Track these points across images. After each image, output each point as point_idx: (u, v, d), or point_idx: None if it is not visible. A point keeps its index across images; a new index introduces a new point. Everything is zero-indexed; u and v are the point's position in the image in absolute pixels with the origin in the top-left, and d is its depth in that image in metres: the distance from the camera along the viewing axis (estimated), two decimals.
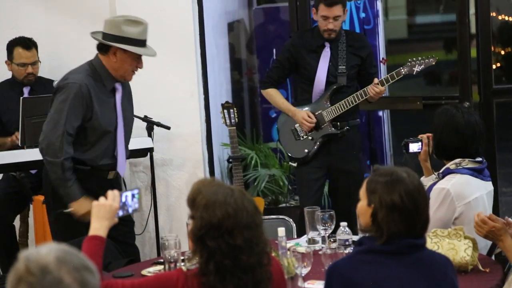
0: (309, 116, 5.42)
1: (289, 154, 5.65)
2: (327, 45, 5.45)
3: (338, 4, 5.35)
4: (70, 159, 4.41)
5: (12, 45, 5.89)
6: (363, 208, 2.88)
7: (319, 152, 5.47)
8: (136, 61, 4.52)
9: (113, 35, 4.46)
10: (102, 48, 4.53)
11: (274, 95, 5.60)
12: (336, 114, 5.39)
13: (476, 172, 3.95)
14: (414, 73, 5.29)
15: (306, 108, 5.47)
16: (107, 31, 4.50)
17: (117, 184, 4.71)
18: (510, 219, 3.60)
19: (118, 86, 4.60)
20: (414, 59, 5.32)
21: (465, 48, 5.95)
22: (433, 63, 5.32)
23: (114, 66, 4.51)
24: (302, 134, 5.51)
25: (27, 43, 5.89)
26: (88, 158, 4.51)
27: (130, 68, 4.53)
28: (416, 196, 2.81)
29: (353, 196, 5.12)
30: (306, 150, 5.48)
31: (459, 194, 3.87)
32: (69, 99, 4.40)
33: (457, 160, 3.96)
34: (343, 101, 5.36)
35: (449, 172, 3.96)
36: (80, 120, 4.43)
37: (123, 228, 4.56)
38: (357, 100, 5.33)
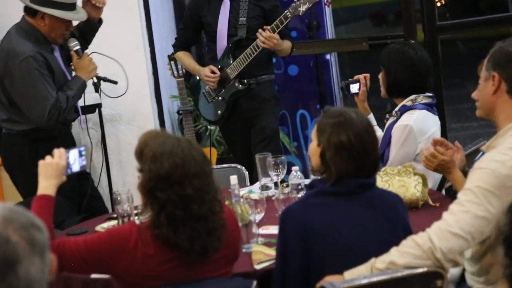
0: (212, 71, 5.24)
1: (206, 118, 5.54)
2: None
3: None
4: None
5: None
6: (313, 148, 2.90)
7: (234, 112, 5.33)
8: (66, 25, 4.49)
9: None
10: (29, 11, 4.49)
11: (183, 57, 5.43)
12: (239, 69, 5.19)
13: (430, 107, 4.01)
14: (301, 13, 5.03)
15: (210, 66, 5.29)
16: None
17: (72, 138, 4.82)
18: (458, 144, 3.64)
19: (55, 45, 4.59)
20: None
21: None
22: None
23: (44, 30, 4.48)
24: (213, 95, 5.37)
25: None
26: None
27: (60, 31, 4.49)
28: (364, 136, 2.83)
29: (267, 149, 5.08)
30: (219, 112, 5.36)
31: (420, 130, 3.93)
32: (33, 71, 4.38)
33: (412, 97, 4.00)
34: (242, 54, 5.15)
35: (406, 109, 3.99)
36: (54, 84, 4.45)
37: (87, 182, 4.59)
38: (254, 51, 5.10)
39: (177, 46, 5.47)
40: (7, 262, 1.64)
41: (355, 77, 4.30)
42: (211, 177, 2.74)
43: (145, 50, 6.00)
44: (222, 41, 5.25)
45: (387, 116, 4.14)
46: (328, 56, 6.97)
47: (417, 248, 2.69)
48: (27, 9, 4.48)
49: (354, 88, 4.27)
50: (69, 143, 4.57)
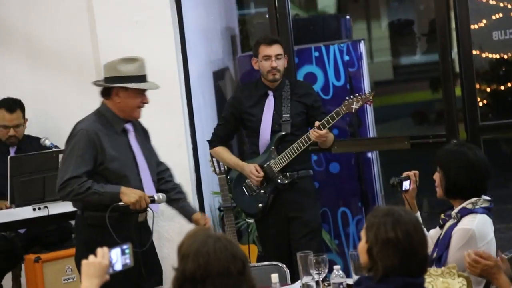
0: (257, 170, 5.33)
1: (245, 211, 5.57)
2: (270, 93, 5.40)
3: (278, 43, 5.39)
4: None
5: None
6: (361, 246, 2.91)
7: (274, 205, 5.38)
8: (140, 97, 4.60)
9: (112, 77, 4.54)
10: (105, 92, 4.61)
11: (222, 152, 5.51)
12: (283, 163, 5.30)
13: (488, 211, 3.97)
14: (353, 110, 5.22)
15: (255, 161, 5.38)
16: (106, 75, 4.59)
17: (146, 228, 4.76)
18: (503, 255, 3.59)
19: (129, 126, 4.66)
20: (352, 96, 5.26)
21: (449, 86, 5.99)
22: (370, 98, 5.25)
23: (120, 107, 4.57)
24: (254, 189, 5.42)
25: (11, 106, 5.88)
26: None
27: (136, 104, 4.59)
28: (412, 233, 2.82)
29: (310, 245, 5.13)
30: (260, 205, 5.39)
31: (481, 234, 3.88)
32: (77, 145, 4.46)
33: (473, 200, 3.96)
34: (288, 149, 5.27)
35: (467, 212, 3.95)
36: (92, 163, 4.48)
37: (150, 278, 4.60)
38: (301, 146, 5.24)
39: (215, 141, 5.56)
40: None
41: (405, 174, 4.29)
42: (241, 277, 2.67)
43: (188, 147, 6.06)
44: (265, 136, 5.36)
45: (442, 216, 4.09)
46: (369, 154, 6.97)
47: None
48: (103, 92, 4.62)
49: (406, 184, 4.26)
50: (132, 234, 4.54)
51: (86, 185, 4.45)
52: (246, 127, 5.50)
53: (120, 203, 4.47)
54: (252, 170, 5.34)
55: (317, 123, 5.19)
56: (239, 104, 5.45)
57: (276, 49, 5.36)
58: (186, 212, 4.83)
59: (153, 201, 4.59)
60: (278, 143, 5.34)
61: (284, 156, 5.29)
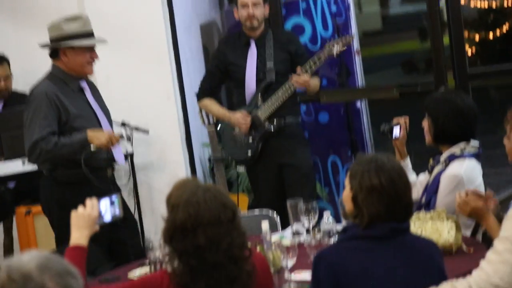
0: (243, 117, 5.35)
1: (235, 159, 5.60)
2: (252, 42, 5.41)
3: None
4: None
5: None
6: (346, 193, 2.91)
7: (263, 152, 5.42)
8: (89, 53, 4.57)
9: (57, 37, 4.53)
10: (53, 54, 4.60)
11: (209, 105, 5.54)
12: (270, 110, 5.33)
13: (477, 157, 3.99)
14: (335, 54, 5.24)
15: (242, 110, 5.41)
16: (51, 36, 4.57)
17: (115, 184, 4.78)
18: (490, 191, 3.61)
19: (84, 85, 4.65)
20: (331, 40, 5.29)
21: (437, 35, 5.99)
22: (350, 41, 5.33)
23: (70, 66, 4.56)
24: (243, 137, 5.45)
25: None
26: (84, 158, 4.51)
27: (85, 61, 4.57)
28: (396, 179, 2.83)
29: (303, 189, 5.19)
30: (249, 152, 5.43)
31: (469, 179, 3.91)
32: (38, 108, 4.44)
33: (461, 145, 3.98)
34: (274, 95, 5.30)
35: (455, 157, 3.97)
36: (56, 124, 4.46)
37: (126, 230, 4.59)
38: (286, 92, 5.27)
39: (202, 94, 5.57)
40: None
41: (395, 121, 4.29)
42: (231, 225, 2.69)
43: (176, 99, 6.05)
44: (250, 85, 5.38)
45: (431, 161, 4.11)
46: (358, 104, 6.98)
47: None
48: (51, 53, 4.60)
49: (396, 131, 4.27)
50: (104, 190, 4.54)
51: (52, 141, 4.43)
52: (232, 78, 5.51)
53: (92, 149, 4.47)
54: (238, 117, 5.36)
55: (298, 68, 5.21)
56: (223, 56, 5.46)
57: None
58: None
59: (122, 136, 4.61)
60: (263, 92, 5.36)
61: (270, 103, 5.31)
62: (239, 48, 5.43)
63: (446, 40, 6.11)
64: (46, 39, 4.64)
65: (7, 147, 5.42)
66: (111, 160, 4.69)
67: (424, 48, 11.19)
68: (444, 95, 4.11)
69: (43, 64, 6.02)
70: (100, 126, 4.62)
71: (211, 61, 5.58)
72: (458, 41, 5.97)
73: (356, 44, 6.93)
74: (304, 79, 5.18)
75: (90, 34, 4.58)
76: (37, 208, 5.35)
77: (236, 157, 5.56)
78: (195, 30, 6.88)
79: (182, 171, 5.97)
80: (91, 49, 4.58)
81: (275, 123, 5.37)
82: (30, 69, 6.10)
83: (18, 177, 5.54)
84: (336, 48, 5.19)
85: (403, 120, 4.29)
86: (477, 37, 9.99)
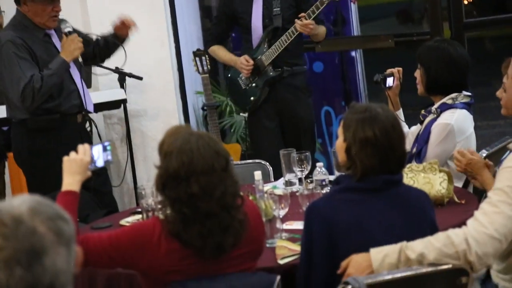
0: (246, 60, 5.36)
1: (239, 105, 5.60)
2: None
3: None
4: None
5: None
6: (339, 144, 2.89)
7: (269, 100, 5.41)
8: (50, 6, 4.47)
9: None
10: (16, 0, 4.51)
11: (217, 51, 5.55)
12: (274, 55, 5.32)
13: (469, 107, 3.99)
14: None
15: (245, 55, 5.40)
16: None
17: (85, 131, 4.78)
18: (489, 161, 3.62)
19: (51, 31, 4.59)
20: None
21: None
22: None
23: (31, 16, 4.50)
24: (247, 83, 5.45)
25: None
26: (53, 105, 4.49)
27: (46, 13, 4.49)
28: (390, 131, 2.81)
29: (303, 140, 5.22)
30: (252, 98, 5.43)
31: (460, 129, 3.92)
32: (10, 55, 4.39)
33: (453, 95, 3.98)
34: (278, 41, 5.29)
35: (446, 107, 3.97)
36: (35, 66, 4.44)
37: (98, 178, 4.58)
38: (289, 37, 5.24)
39: (211, 41, 5.59)
40: (33, 253, 1.65)
41: (389, 71, 4.28)
42: (224, 173, 2.68)
43: (170, 46, 6.02)
44: (257, 31, 5.38)
45: (422, 112, 4.11)
46: (353, 53, 6.95)
47: (451, 246, 2.66)
48: None
49: (389, 81, 4.26)
50: (74, 136, 4.54)
51: (37, 78, 4.40)
52: (239, 24, 5.51)
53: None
54: (241, 60, 5.37)
55: (302, 14, 5.18)
56: (230, 2, 5.45)
57: None
58: (107, 35, 4.82)
59: (74, 32, 4.55)
60: (270, 37, 5.35)
61: (274, 48, 5.31)
62: None
63: None
64: None
65: None
66: (81, 106, 4.66)
67: None
68: (437, 44, 4.09)
69: None
70: (69, 72, 4.59)
71: (219, 8, 5.61)
72: None
73: None
74: (307, 23, 5.14)
75: None
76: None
77: (240, 103, 5.58)
78: None
79: (175, 119, 5.96)
80: (52, 2, 4.47)
81: (279, 69, 5.35)
82: None
83: (10, 121, 5.52)
84: None
85: (397, 70, 4.28)
86: None
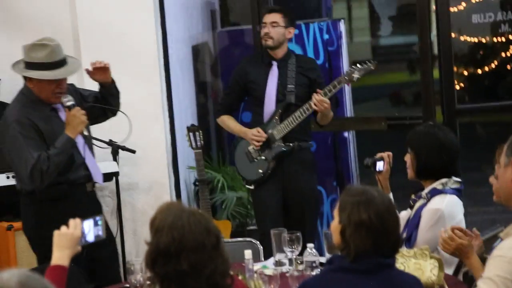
0: (258, 131, 5.43)
1: (245, 177, 5.61)
2: (274, 64, 5.51)
3: (276, 12, 5.50)
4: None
5: None
6: (334, 226, 2.90)
7: (274, 174, 5.46)
8: (54, 85, 4.46)
9: (25, 62, 4.46)
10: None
11: (227, 121, 5.63)
12: (286, 130, 5.40)
13: (459, 193, 4.00)
14: (355, 79, 5.30)
15: (257, 128, 5.48)
16: (23, 58, 4.48)
17: (95, 199, 4.74)
18: (477, 231, 3.62)
19: (57, 105, 4.56)
20: (353, 66, 5.35)
21: (428, 68, 6.02)
22: (373, 68, 5.34)
23: (36, 92, 4.49)
24: (255, 156, 5.50)
25: None
26: (61, 177, 4.47)
27: (49, 91, 4.47)
28: (385, 215, 2.82)
29: (305, 215, 5.28)
30: (260, 171, 5.47)
31: (450, 215, 3.92)
32: (17, 137, 4.39)
33: (443, 180, 3.99)
34: (291, 116, 5.37)
35: (437, 192, 3.98)
36: (43, 144, 4.44)
37: (106, 251, 4.56)
38: (303, 113, 5.33)
39: (221, 111, 5.67)
40: None
41: (379, 155, 4.31)
42: (215, 252, 2.66)
43: (165, 121, 6.05)
44: (270, 105, 5.48)
45: (412, 197, 4.12)
46: (346, 134, 6.99)
47: None
48: None
49: (379, 165, 4.27)
50: (82, 205, 4.52)
51: (44, 158, 4.38)
52: (251, 96, 5.59)
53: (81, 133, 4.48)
54: (253, 132, 5.45)
55: (318, 90, 5.28)
56: (244, 73, 5.56)
57: (272, 17, 5.47)
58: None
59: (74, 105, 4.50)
60: (282, 112, 5.43)
61: (287, 123, 5.39)
62: (261, 67, 5.54)
63: (435, 73, 6.14)
64: None
65: None
66: (89, 177, 4.65)
67: (412, 80, 11.23)
68: (427, 129, 4.12)
69: None
70: (77, 147, 4.58)
71: (232, 78, 5.67)
72: (447, 75, 6.01)
73: None
74: (324, 99, 5.23)
75: (56, 64, 4.44)
76: (19, 224, 5.32)
77: (247, 175, 5.58)
78: (187, 51, 6.89)
79: (167, 193, 5.94)
80: (56, 81, 4.46)
81: (290, 144, 5.43)
82: (20, 81, 6.08)
83: (1, 191, 5.50)
84: (357, 75, 5.27)
85: (387, 154, 4.30)
86: (465, 72, 10.03)
